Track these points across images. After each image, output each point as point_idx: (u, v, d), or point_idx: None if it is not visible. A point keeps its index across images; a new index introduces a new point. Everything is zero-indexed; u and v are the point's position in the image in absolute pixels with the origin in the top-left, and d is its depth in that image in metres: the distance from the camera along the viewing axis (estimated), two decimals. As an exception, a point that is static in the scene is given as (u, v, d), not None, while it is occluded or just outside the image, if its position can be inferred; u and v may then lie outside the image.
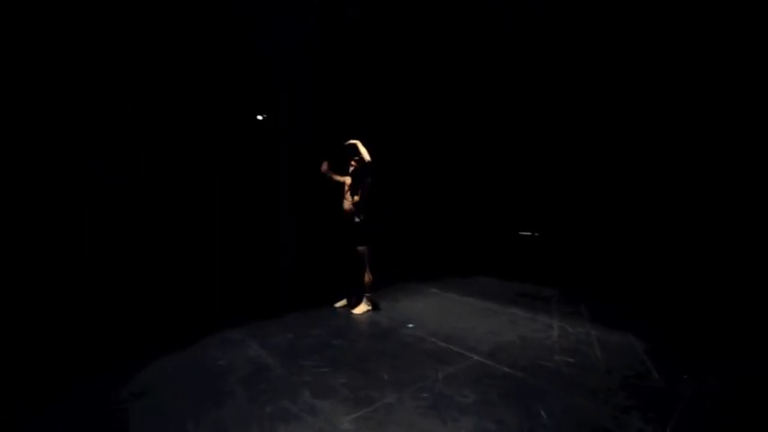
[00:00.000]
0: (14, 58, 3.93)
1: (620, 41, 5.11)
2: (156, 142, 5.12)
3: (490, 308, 4.30)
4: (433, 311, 4.21)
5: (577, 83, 5.92)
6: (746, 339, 3.37)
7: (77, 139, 4.43)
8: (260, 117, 6.32)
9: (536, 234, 8.94)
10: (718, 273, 4.52)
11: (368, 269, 4.19)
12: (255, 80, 5.80)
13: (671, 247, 5.32)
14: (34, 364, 2.91)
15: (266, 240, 5.86)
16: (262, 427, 2.17)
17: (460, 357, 3.04)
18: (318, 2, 5.32)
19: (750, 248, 4.39)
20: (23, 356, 2.98)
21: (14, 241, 3.87)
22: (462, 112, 7.78)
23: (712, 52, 4.32)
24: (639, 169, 5.98)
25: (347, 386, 2.61)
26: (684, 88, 4.74)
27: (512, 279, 5.59)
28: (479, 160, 8.42)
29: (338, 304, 4.41)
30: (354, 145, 4.00)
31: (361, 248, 4.13)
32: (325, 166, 4.21)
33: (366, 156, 3.96)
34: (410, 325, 3.77)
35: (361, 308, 4.20)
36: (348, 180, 4.17)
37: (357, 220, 4.09)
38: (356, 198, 4.06)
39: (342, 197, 4.19)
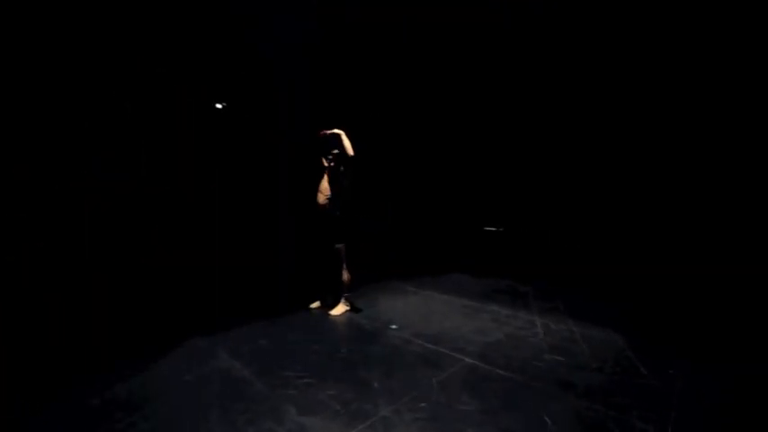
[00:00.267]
0: (14, 59, 3.90)
1: (606, 38, 5.21)
2: (155, 142, 5.04)
3: (470, 305, 4.22)
4: (414, 311, 4.06)
5: (560, 81, 5.98)
6: (717, 334, 3.55)
7: (77, 139, 4.40)
8: (219, 105, 5.95)
9: (501, 229, 9.12)
10: (687, 272, 4.75)
11: (345, 267, 3.96)
12: (255, 80, 5.72)
13: (639, 244, 5.56)
14: (34, 363, 2.86)
15: (266, 240, 5.75)
16: (246, 455, 1.90)
17: (451, 360, 2.91)
18: (318, 2, 5.24)
19: (722, 247, 4.62)
20: (23, 356, 2.94)
21: (14, 241, 3.86)
22: (442, 109, 7.68)
23: (710, 51, 4.42)
24: (604, 166, 6.20)
25: (337, 399, 2.39)
26: (671, 84, 4.85)
27: (485, 275, 5.58)
28: (445, 156, 8.39)
29: (313, 305, 4.14)
30: (338, 135, 3.73)
31: (339, 245, 3.89)
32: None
33: (350, 150, 3.71)
34: (394, 326, 3.59)
35: (340, 309, 3.96)
36: (325, 171, 3.90)
37: (336, 214, 3.83)
38: (329, 191, 3.81)
39: (315, 190, 3.92)
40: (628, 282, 4.94)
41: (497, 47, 6.03)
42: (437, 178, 8.38)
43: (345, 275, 3.95)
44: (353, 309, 4.04)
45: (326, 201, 3.84)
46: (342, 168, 3.80)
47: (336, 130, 3.75)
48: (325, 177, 3.89)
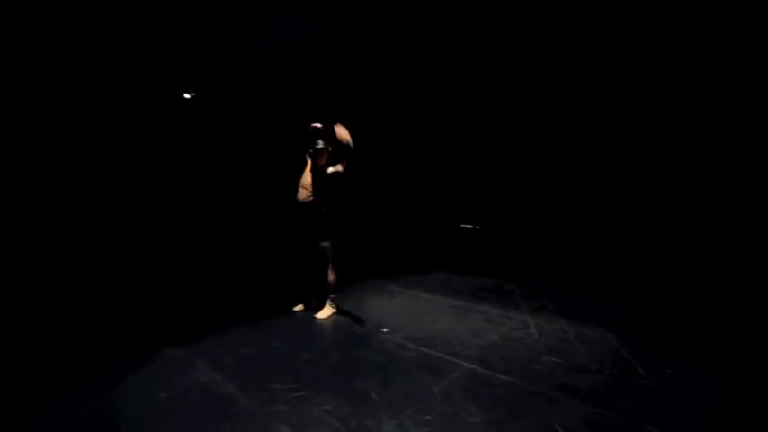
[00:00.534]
0: (15, 59, 3.89)
1: (601, 36, 5.23)
2: (155, 142, 5.02)
3: (459, 305, 4.12)
4: (403, 312, 3.90)
5: (553, 79, 5.97)
6: (704, 330, 3.63)
7: (77, 139, 4.38)
8: (187, 96, 5.73)
9: (479, 227, 9.14)
10: (674, 271, 4.86)
11: (332, 267, 3.74)
12: (255, 80, 5.67)
13: (622, 242, 5.67)
14: (34, 363, 2.83)
15: (266, 240, 5.68)
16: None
17: (450, 365, 2.77)
18: (318, 2, 5.21)
19: (711, 245, 4.74)
20: (23, 356, 2.91)
21: (14, 241, 3.85)
22: (436, 108, 7.55)
23: (709, 51, 4.47)
24: (587, 164, 6.29)
25: (334, 414, 2.19)
26: (668, 81, 4.91)
27: (468, 274, 5.51)
28: (424, 154, 8.28)
29: (296, 308, 3.89)
30: (332, 130, 3.50)
31: (324, 244, 3.66)
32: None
33: (350, 141, 3.51)
34: (385, 329, 3.42)
35: (326, 311, 3.74)
36: (308, 165, 3.65)
37: (322, 210, 3.59)
38: (311, 187, 3.58)
39: (295, 185, 3.67)
40: (612, 280, 5.00)
41: (497, 47, 5.99)
42: (415, 176, 8.28)
43: (331, 275, 3.73)
44: (340, 311, 3.83)
45: (309, 196, 3.59)
46: (337, 166, 3.57)
47: (338, 128, 3.53)
48: (307, 172, 3.64)
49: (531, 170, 7.13)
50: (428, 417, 2.17)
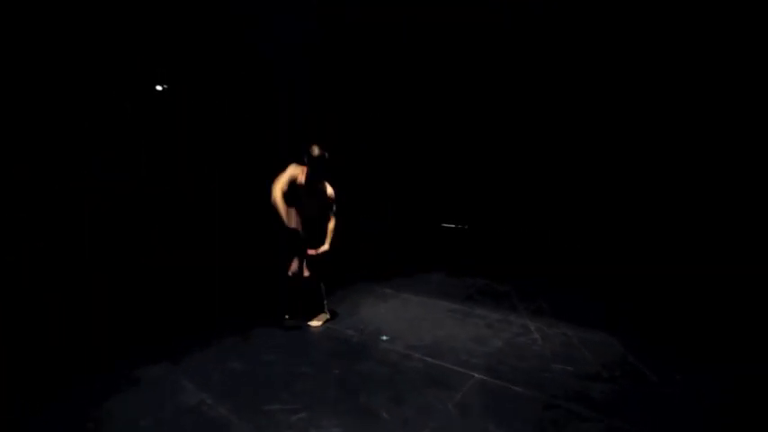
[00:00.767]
0: (15, 59, 3.90)
1: (598, 37, 5.23)
2: (156, 142, 5.05)
3: (456, 309, 3.99)
4: (400, 317, 3.72)
5: (548, 80, 5.93)
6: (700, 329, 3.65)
7: (77, 140, 4.42)
8: (159, 87, 5.59)
9: (463, 226, 9.09)
10: (660, 271, 4.93)
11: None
12: (256, 80, 5.70)
13: (609, 242, 5.73)
14: (34, 363, 2.78)
15: (265, 241, 5.42)
16: None
17: (459, 377, 2.62)
18: (318, 2, 5.21)
19: (697, 246, 4.83)
20: (23, 356, 2.87)
21: (14, 241, 3.89)
22: (433, 108, 7.39)
23: (708, 51, 4.50)
24: (573, 166, 6.33)
25: (344, 438, 1.98)
26: (664, 80, 4.94)
27: (459, 275, 5.40)
28: (409, 154, 8.14)
29: (287, 315, 3.62)
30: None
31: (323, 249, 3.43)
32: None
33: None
34: (384, 337, 3.23)
35: (320, 318, 3.50)
36: (299, 175, 3.19)
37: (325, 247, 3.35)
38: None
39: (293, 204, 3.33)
40: (603, 279, 5.03)
41: (497, 47, 5.92)
42: (401, 177, 8.12)
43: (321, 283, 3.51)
44: (333, 317, 3.61)
45: (314, 211, 3.34)
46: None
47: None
48: (300, 181, 3.19)
49: (521, 170, 7.13)
50: (447, 438, 2.01)
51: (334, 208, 3.36)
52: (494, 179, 7.62)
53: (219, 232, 5.41)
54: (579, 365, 2.83)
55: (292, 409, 2.21)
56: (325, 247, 3.32)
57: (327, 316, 3.56)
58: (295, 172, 3.17)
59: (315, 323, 3.45)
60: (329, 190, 3.32)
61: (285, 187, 3.07)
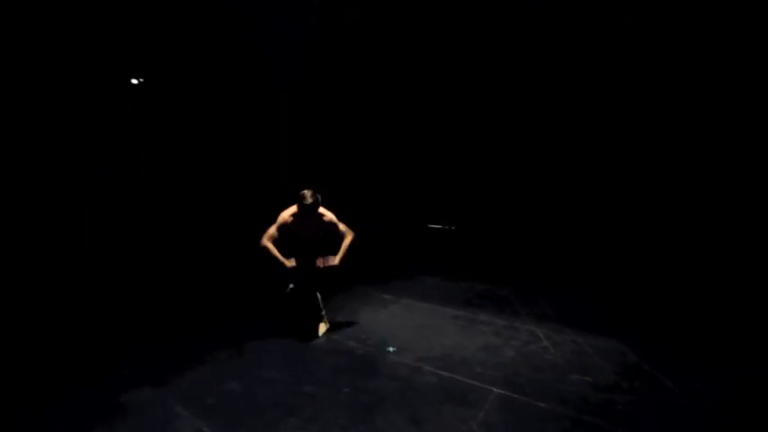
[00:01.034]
0: (15, 59, 3.89)
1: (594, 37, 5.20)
2: (155, 142, 5.00)
3: (460, 315, 3.84)
4: (403, 325, 3.54)
5: (548, 80, 5.87)
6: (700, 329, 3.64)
7: (77, 139, 4.38)
8: (135, 81, 5.36)
9: (450, 227, 8.98)
10: (652, 270, 4.94)
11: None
12: (255, 80, 5.67)
13: (599, 242, 5.73)
14: (34, 364, 2.76)
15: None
16: None
17: (478, 392, 2.46)
18: (318, 2, 5.19)
19: (691, 246, 4.85)
20: (23, 356, 2.85)
21: (14, 241, 3.87)
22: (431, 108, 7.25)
23: (705, 50, 4.48)
24: (561, 165, 6.31)
25: (366, 470, 1.78)
26: (659, 79, 4.95)
27: (455, 278, 5.25)
28: (399, 154, 7.97)
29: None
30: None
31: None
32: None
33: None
34: (391, 348, 3.04)
35: (321, 328, 3.27)
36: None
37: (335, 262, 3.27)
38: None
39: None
40: (598, 279, 5.00)
41: (492, 47, 5.84)
42: (393, 177, 7.94)
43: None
44: (333, 326, 3.39)
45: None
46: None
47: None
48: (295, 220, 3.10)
49: (510, 170, 7.07)
50: (478, 464, 1.84)
51: (342, 226, 3.24)
52: (483, 179, 7.56)
53: (219, 232, 5.42)
54: (596, 375, 2.73)
55: (303, 437, 2.00)
56: (335, 261, 3.23)
57: (328, 325, 3.34)
58: (284, 217, 3.11)
59: (319, 332, 3.22)
60: (328, 215, 3.20)
61: (275, 234, 3.08)
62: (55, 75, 4.16)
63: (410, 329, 3.46)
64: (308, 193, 2.97)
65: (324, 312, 3.35)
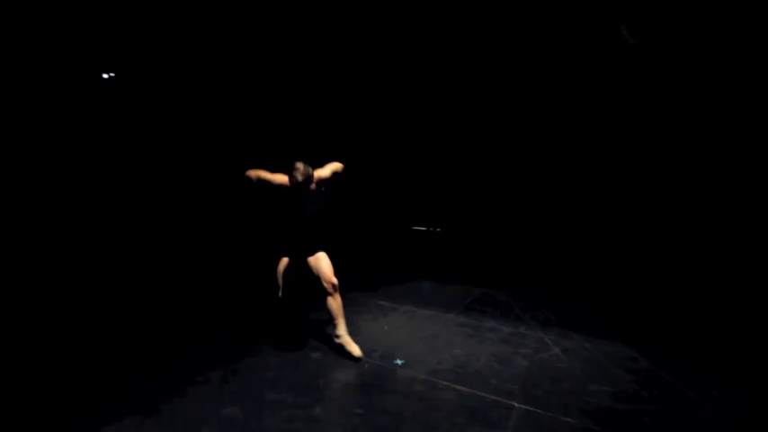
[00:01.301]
0: (15, 59, 4.02)
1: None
2: (156, 142, 5.13)
3: (465, 323, 3.70)
4: (407, 335, 3.36)
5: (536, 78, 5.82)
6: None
7: (77, 139, 4.48)
8: (105, 76, 5.26)
9: (435, 229, 8.88)
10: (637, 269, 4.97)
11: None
12: (255, 80, 5.72)
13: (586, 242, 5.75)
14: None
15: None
16: None
17: (500, 409, 2.31)
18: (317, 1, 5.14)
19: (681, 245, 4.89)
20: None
21: (14, 241, 4.00)
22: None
23: (703, 50, 4.47)
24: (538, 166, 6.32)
25: (398, 508, 1.59)
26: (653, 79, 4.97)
27: (450, 281, 5.13)
28: (374, 154, 7.79)
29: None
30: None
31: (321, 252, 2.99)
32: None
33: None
34: (400, 361, 2.85)
35: (353, 344, 2.99)
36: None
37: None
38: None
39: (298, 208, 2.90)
40: (592, 279, 5.00)
41: (483, 48, 5.77)
42: (368, 176, 7.74)
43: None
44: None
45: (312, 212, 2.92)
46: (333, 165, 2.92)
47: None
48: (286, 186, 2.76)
49: (495, 171, 7.03)
50: (518, 494, 1.68)
51: (338, 165, 3.01)
52: (470, 179, 7.50)
53: (219, 233, 5.43)
54: (615, 385, 2.64)
55: (321, 470, 1.78)
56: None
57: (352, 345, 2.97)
58: (274, 178, 2.78)
59: (357, 352, 2.85)
60: (326, 172, 2.88)
61: (260, 177, 2.79)
62: (55, 73, 4.24)
63: (416, 339, 3.28)
64: (300, 165, 2.57)
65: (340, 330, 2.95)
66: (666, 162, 5.14)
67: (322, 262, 2.85)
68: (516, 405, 2.35)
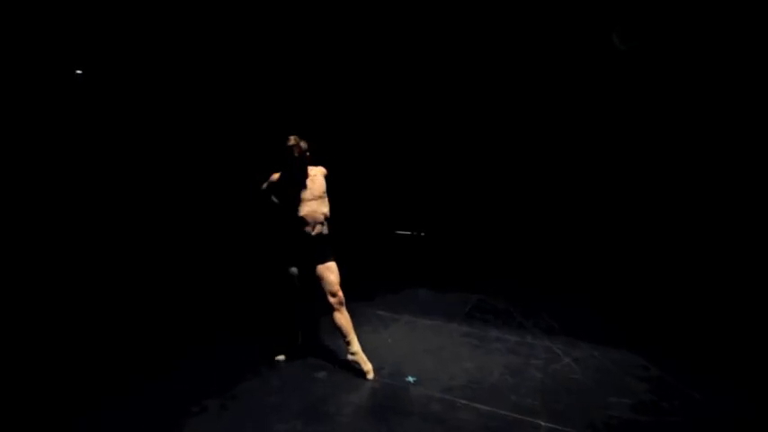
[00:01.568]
0: (15, 59, 4.10)
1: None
2: (157, 142, 5.16)
3: (466, 332, 3.58)
4: (413, 348, 3.21)
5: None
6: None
7: (77, 139, 4.58)
8: (78, 72, 5.13)
9: (419, 233, 8.78)
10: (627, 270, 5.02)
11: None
12: (255, 80, 5.71)
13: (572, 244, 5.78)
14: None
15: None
16: None
17: (525, 428, 2.19)
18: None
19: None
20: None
21: (14, 241, 4.02)
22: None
23: (697, 49, 4.52)
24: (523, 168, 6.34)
25: None
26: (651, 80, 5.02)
27: (444, 288, 5.01)
28: (358, 157, 7.63)
29: (279, 357, 2.90)
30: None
31: (331, 263, 2.78)
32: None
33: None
34: (411, 379, 2.69)
35: (368, 364, 2.73)
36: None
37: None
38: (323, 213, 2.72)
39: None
40: (586, 280, 5.02)
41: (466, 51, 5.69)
42: (353, 180, 7.57)
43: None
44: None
45: (322, 219, 2.70)
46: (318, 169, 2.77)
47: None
48: (308, 191, 2.64)
49: (478, 175, 7.01)
50: None
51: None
52: (455, 182, 7.45)
53: (219, 233, 5.45)
54: (632, 395, 2.58)
55: None
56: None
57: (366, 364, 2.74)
58: (273, 178, 2.68)
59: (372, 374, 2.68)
60: (322, 171, 2.77)
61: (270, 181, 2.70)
62: (54, 73, 4.28)
63: (423, 353, 3.13)
64: (292, 137, 2.46)
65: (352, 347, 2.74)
66: (666, 162, 5.20)
67: (331, 273, 2.65)
68: (543, 424, 2.24)
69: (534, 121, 6.12)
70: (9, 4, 3.97)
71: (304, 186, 2.61)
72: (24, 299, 3.82)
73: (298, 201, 2.59)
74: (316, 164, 2.76)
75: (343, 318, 2.66)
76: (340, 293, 2.66)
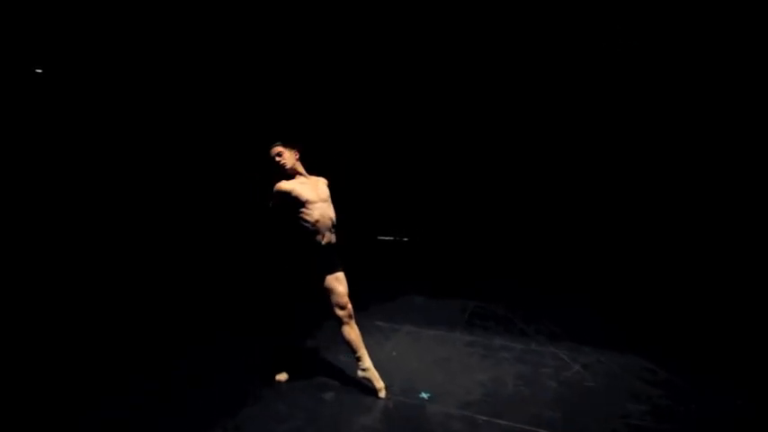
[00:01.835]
0: (15, 59, 4.15)
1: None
2: (157, 142, 5.19)
3: (471, 341, 3.49)
4: (420, 361, 3.08)
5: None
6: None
7: (78, 139, 4.58)
8: (39, 70, 4.96)
9: (402, 239, 8.69)
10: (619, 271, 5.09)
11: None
12: (254, 80, 5.74)
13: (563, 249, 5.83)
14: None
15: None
16: None
17: (551, 443, 2.11)
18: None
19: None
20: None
21: (13, 241, 4.05)
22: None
23: (696, 50, 4.60)
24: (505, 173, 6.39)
25: None
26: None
27: (440, 295, 4.92)
28: (344, 161, 7.49)
29: (279, 377, 2.70)
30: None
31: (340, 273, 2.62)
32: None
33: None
34: (425, 395, 2.56)
35: (379, 380, 2.56)
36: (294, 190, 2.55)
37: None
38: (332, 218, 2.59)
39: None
40: (580, 281, 5.05)
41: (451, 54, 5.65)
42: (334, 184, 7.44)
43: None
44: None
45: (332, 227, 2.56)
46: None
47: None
48: (315, 195, 2.52)
49: (461, 179, 7.01)
50: None
51: None
52: (440, 186, 7.42)
53: (219, 234, 5.42)
54: (648, 402, 2.55)
55: None
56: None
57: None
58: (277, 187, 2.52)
59: (384, 392, 2.52)
60: (324, 181, 2.72)
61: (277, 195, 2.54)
62: (54, 72, 4.32)
63: (431, 365, 3.01)
64: (275, 148, 2.53)
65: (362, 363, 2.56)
66: (666, 163, 5.29)
67: (340, 284, 2.49)
68: (565, 438, 2.16)
69: (533, 122, 6.14)
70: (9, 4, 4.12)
71: (310, 189, 2.51)
72: (25, 299, 3.86)
73: (307, 203, 2.44)
74: (311, 172, 2.68)
75: (353, 332, 2.50)
76: (349, 306, 2.51)
